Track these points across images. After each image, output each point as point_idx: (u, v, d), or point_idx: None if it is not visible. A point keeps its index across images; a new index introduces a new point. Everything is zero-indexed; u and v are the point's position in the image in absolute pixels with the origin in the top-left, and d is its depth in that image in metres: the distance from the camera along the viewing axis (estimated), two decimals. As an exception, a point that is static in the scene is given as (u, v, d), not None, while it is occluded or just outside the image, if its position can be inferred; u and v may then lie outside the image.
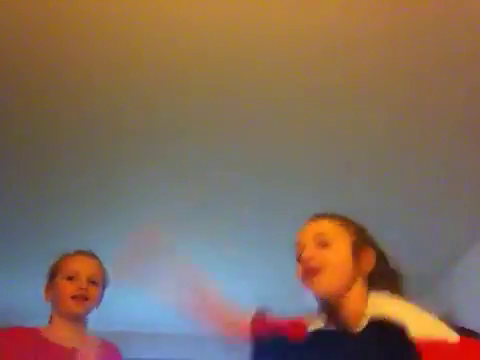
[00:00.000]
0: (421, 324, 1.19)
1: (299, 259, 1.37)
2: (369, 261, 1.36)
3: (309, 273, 1.33)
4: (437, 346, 1.13)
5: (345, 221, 1.40)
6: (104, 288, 2.07)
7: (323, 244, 1.35)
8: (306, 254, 1.34)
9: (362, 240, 1.38)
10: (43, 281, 2.06)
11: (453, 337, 1.16)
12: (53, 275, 2.04)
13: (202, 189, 3.08)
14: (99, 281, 2.03)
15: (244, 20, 2.15)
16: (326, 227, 1.38)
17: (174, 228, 3.37)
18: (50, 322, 2.01)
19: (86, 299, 1.96)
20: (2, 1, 2.06)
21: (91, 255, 2.07)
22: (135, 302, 3.95)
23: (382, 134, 2.70)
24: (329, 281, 1.31)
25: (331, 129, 2.67)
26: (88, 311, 1.99)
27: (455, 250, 3.54)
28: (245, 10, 2.10)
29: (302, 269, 1.35)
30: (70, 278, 1.98)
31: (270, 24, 2.16)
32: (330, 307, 1.35)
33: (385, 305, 1.27)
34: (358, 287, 1.33)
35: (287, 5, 2.08)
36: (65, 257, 2.07)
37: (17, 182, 3.06)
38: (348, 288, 1.31)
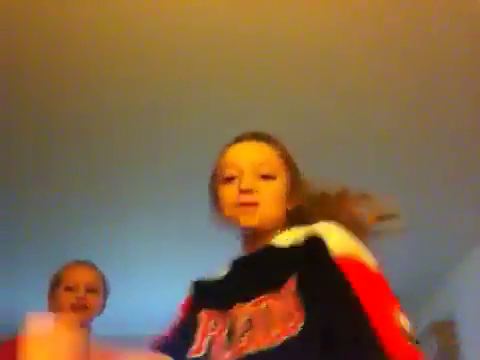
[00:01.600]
0: (346, 243, 1.12)
1: (226, 181, 1.23)
2: (299, 198, 1.26)
3: (245, 205, 1.19)
4: (358, 266, 1.08)
5: (284, 154, 1.28)
6: (106, 296, 2.11)
7: (265, 177, 1.21)
8: (246, 185, 1.19)
9: (297, 175, 1.28)
10: (45, 288, 2.11)
11: (370, 258, 1.12)
12: (53, 286, 2.09)
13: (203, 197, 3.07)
14: (98, 289, 2.07)
15: (246, 22, 2.16)
16: (269, 156, 1.25)
17: (175, 234, 3.43)
18: None
19: (85, 308, 2.00)
20: (2, 1, 2.07)
21: (89, 265, 2.12)
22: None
23: (386, 134, 2.71)
24: (265, 215, 1.19)
25: (335, 128, 2.68)
26: (89, 319, 2.03)
27: (458, 252, 3.53)
28: (246, 12, 2.12)
29: (237, 200, 1.19)
30: (69, 288, 2.03)
31: (274, 25, 2.18)
32: (252, 242, 1.25)
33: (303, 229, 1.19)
34: (282, 220, 1.25)
35: (288, 7, 2.10)
36: (64, 268, 2.12)
37: (14, 187, 3.07)
38: (278, 223, 1.23)
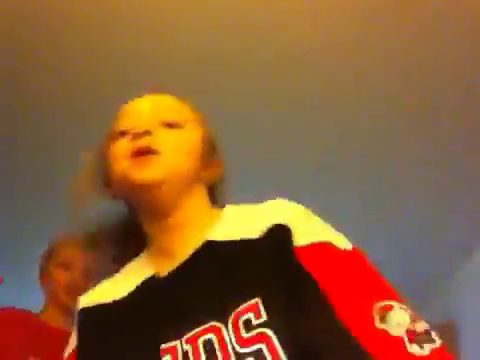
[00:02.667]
0: (305, 229, 0.84)
1: (117, 136, 0.92)
2: (218, 171, 0.99)
3: (139, 155, 0.87)
4: (321, 250, 0.81)
5: (195, 111, 1.00)
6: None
7: (170, 125, 0.91)
8: (141, 127, 0.89)
9: (212, 142, 1.00)
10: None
11: (345, 243, 0.84)
12: (47, 260, 1.89)
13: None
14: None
15: (246, 23, 2.17)
16: (174, 104, 0.97)
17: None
18: (46, 307, 1.86)
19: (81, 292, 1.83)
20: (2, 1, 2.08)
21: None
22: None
23: (388, 133, 2.71)
24: (167, 167, 0.87)
25: (333, 131, 2.68)
26: None
27: (461, 252, 3.52)
28: (245, 14, 2.13)
29: (126, 149, 0.88)
30: (64, 267, 1.83)
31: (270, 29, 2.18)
32: (155, 215, 0.91)
33: (250, 213, 0.91)
34: (197, 196, 0.94)
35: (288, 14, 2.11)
36: (59, 243, 1.88)
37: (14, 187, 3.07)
38: (185, 189, 0.90)
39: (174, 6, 2.13)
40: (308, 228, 0.85)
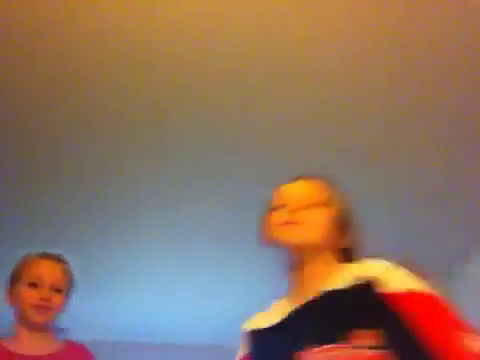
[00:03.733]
0: (398, 278, 1.22)
1: (276, 209, 1.36)
2: (349, 240, 1.38)
3: (289, 223, 1.31)
4: (414, 296, 1.18)
5: (329, 190, 1.41)
6: (69, 294, 1.94)
7: (309, 205, 1.33)
8: (293, 205, 1.32)
9: (345, 219, 1.39)
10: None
11: (429, 289, 1.21)
12: (15, 279, 1.91)
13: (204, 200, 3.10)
14: (63, 288, 1.90)
15: (248, 26, 2.17)
16: (314, 189, 1.39)
17: (176, 236, 3.42)
18: (14, 331, 1.90)
19: (49, 308, 1.84)
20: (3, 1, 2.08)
21: (56, 259, 1.93)
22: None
23: (389, 133, 2.72)
24: (306, 234, 1.30)
25: (333, 132, 2.69)
26: (51, 320, 1.88)
27: (459, 255, 3.54)
28: (248, 17, 2.13)
29: (281, 219, 1.32)
30: (32, 285, 1.86)
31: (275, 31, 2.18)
32: (296, 266, 1.35)
33: (358, 265, 1.30)
34: (328, 256, 1.34)
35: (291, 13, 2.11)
36: (28, 260, 1.93)
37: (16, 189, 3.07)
38: (319, 250, 1.33)
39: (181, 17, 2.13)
40: (399, 278, 1.21)
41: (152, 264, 3.67)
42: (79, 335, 2.01)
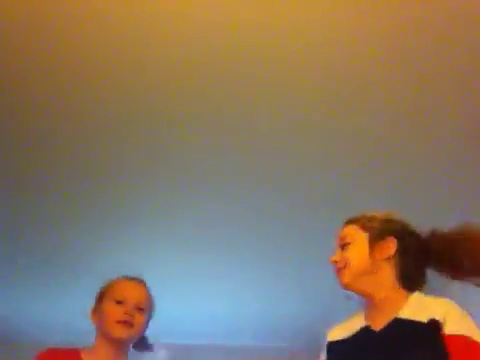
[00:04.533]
0: (460, 323, 1.41)
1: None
2: (387, 247, 1.56)
3: (336, 272, 1.58)
4: (471, 345, 1.36)
5: (364, 220, 1.61)
6: (150, 316, 2.03)
7: (343, 246, 1.59)
8: (332, 258, 1.60)
9: (381, 231, 1.58)
10: (89, 301, 2.04)
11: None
12: (101, 298, 2.01)
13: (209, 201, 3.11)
14: (146, 308, 1.99)
15: (248, 22, 2.16)
16: (346, 231, 1.62)
17: (180, 242, 3.43)
18: (94, 344, 1.98)
19: (131, 325, 1.92)
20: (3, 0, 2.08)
21: (139, 281, 2.05)
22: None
23: (391, 134, 2.71)
24: (348, 275, 1.55)
25: (334, 132, 2.68)
26: (132, 338, 1.96)
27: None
28: (249, 13, 2.12)
29: (336, 266, 1.60)
30: (118, 302, 1.95)
31: (276, 26, 2.18)
32: (366, 300, 1.58)
33: (426, 303, 1.48)
34: (385, 273, 1.54)
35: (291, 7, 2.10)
36: (114, 281, 2.05)
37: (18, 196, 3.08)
38: (371, 273, 1.54)
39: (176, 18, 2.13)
40: (459, 323, 1.40)
41: (152, 265, 3.67)
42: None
